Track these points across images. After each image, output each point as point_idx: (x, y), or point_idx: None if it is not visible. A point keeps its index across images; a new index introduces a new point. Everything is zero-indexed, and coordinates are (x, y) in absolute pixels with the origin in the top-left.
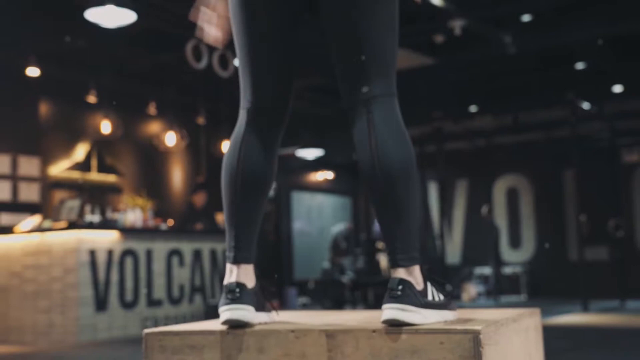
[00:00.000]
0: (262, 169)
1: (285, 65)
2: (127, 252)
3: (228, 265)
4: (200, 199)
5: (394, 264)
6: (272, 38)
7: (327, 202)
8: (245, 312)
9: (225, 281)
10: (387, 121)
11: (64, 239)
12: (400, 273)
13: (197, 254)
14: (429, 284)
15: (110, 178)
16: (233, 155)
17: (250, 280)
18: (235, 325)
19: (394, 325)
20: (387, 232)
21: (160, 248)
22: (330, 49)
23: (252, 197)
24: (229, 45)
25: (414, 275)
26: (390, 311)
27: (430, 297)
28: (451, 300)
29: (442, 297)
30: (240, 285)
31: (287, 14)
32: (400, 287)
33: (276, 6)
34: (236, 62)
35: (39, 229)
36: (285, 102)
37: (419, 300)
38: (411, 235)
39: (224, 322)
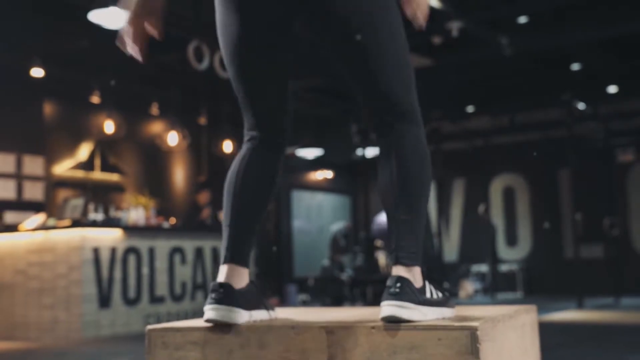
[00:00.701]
0: (260, 195)
1: (281, 93)
2: (130, 250)
3: (220, 266)
4: (204, 197)
5: (396, 260)
6: (262, 68)
7: (326, 201)
8: (226, 313)
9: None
10: (408, 146)
11: (68, 236)
12: (401, 271)
13: (198, 252)
14: (427, 283)
15: (114, 177)
16: (233, 179)
17: (238, 281)
18: (217, 324)
19: (393, 322)
20: (395, 231)
21: (163, 246)
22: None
23: (249, 216)
24: None
25: (413, 273)
26: (389, 308)
27: (428, 295)
28: (449, 298)
29: (440, 295)
30: (224, 285)
31: (277, 42)
32: (399, 284)
33: (263, 37)
34: None
35: (44, 227)
36: (283, 129)
37: (417, 297)
38: (417, 236)
39: (206, 321)
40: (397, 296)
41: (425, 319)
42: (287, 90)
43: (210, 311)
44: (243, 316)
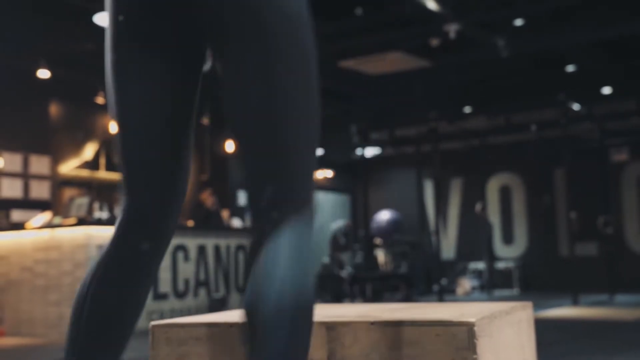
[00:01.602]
0: (120, 307)
1: (174, 160)
2: None
3: None
4: (206, 195)
5: None
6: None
7: (326, 200)
8: None
9: None
10: (287, 247)
11: (73, 234)
12: None
13: (201, 250)
14: None
15: (118, 176)
16: (85, 283)
17: None
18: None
19: None
20: None
21: None
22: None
23: (100, 338)
24: None
25: None
26: None
27: None
28: None
29: None
30: None
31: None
32: None
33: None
34: None
35: (50, 225)
36: (171, 214)
37: None
38: None
39: None
40: None
41: None
42: (186, 146)
43: None
44: None
